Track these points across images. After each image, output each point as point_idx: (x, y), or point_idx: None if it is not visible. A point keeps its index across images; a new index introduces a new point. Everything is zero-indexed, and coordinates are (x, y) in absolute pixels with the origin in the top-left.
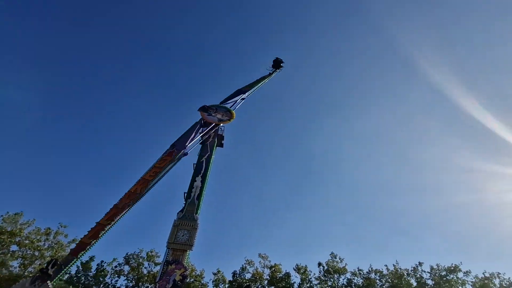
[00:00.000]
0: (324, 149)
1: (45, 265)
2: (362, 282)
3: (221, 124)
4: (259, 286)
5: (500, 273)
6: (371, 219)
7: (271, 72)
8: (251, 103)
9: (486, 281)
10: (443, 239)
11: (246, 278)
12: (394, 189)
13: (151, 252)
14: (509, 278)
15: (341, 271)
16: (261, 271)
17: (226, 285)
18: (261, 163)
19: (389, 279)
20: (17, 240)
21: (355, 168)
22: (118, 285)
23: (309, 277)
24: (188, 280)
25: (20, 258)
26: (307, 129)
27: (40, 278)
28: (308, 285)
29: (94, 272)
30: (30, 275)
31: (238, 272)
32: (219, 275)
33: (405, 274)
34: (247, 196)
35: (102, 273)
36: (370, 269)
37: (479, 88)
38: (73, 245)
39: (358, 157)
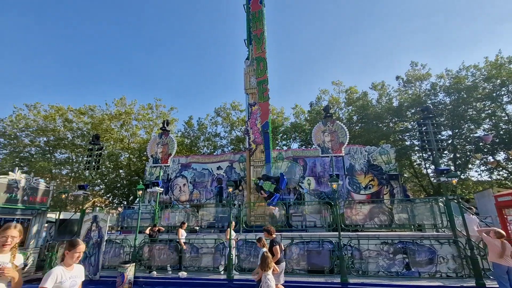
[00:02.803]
0: None
1: (162, 125)
2: (450, 81)
3: None
4: (337, 109)
5: None
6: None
7: None
8: None
9: None
10: None
11: (323, 105)
12: None
13: (234, 102)
14: None
15: (424, 77)
16: (336, 96)
17: (306, 115)
18: None
19: (485, 72)
20: (133, 117)
21: None
22: (218, 131)
23: (387, 91)
24: (271, 117)
25: (143, 129)
26: None
27: (163, 133)
28: (387, 99)
29: (197, 127)
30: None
31: (314, 102)
32: (297, 108)
33: (507, 62)
34: (306, 28)
35: (203, 126)
36: (461, 66)
37: None
38: (173, 112)
39: None
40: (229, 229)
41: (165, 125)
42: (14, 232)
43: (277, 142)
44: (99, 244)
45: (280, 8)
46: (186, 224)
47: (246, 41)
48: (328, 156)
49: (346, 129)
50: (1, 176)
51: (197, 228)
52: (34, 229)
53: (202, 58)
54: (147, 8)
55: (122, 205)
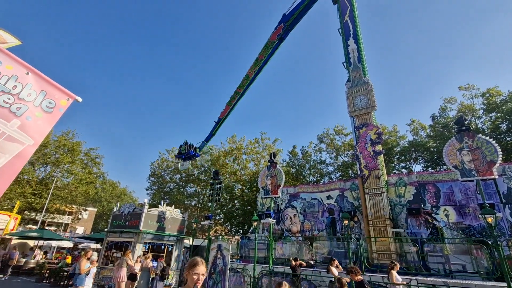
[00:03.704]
0: None
1: (269, 158)
2: None
3: None
4: (473, 118)
5: None
6: None
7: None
8: None
9: None
10: None
11: (451, 116)
12: None
13: (337, 127)
14: None
15: None
16: (468, 103)
17: (427, 130)
18: None
19: None
20: (243, 151)
21: None
22: (323, 158)
23: None
24: (384, 137)
25: (251, 161)
26: None
27: (271, 166)
28: None
29: (301, 155)
30: (263, 168)
31: (437, 114)
32: (415, 123)
33: None
34: (408, 34)
35: (307, 154)
36: None
37: None
38: (277, 143)
39: None
40: (331, 267)
41: (272, 158)
42: (203, 269)
43: (393, 165)
44: (224, 272)
45: (377, 12)
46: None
47: (344, 64)
48: (472, 180)
49: (495, 144)
50: (154, 209)
51: (312, 262)
52: (176, 253)
53: (300, 86)
54: (241, 53)
55: (238, 233)
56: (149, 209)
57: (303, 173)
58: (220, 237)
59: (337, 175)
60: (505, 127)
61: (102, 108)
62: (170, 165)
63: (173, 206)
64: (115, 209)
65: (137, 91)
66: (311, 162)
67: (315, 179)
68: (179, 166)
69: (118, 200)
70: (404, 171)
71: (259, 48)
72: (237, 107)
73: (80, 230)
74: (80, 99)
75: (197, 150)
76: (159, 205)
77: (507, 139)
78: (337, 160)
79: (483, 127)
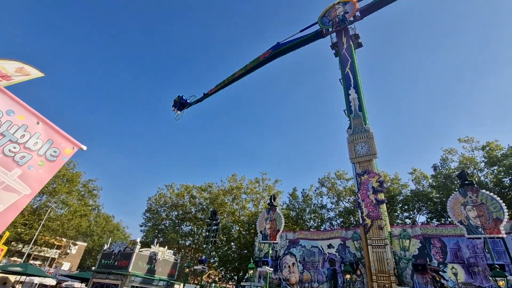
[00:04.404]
0: None
1: (269, 201)
2: None
3: (350, 24)
4: (475, 171)
5: None
6: None
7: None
8: None
9: None
10: None
11: (452, 167)
12: None
13: (338, 171)
14: None
15: None
16: (469, 155)
17: (429, 180)
18: (409, 44)
19: None
20: (242, 191)
21: None
22: (324, 203)
23: None
24: (386, 185)
25: (251, 202)
26: None
27: (271, 209)
28: None
29: (302, 199)
30: (262, 210)
31: (439, 164)
32: (417, 173)
33: None
34: (409, 87)
35: (308, 197)
36: None
37: None
38: (278, 184)
39: None
40: None
41: (272, 200)
42: None
43: (396, 214)
44: None
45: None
46: None
47: (346, 111)
48: (479, 238)
49: (500, 201)
50: (146, 249)
51: None
52: None
53: (303, 129)
54: (248, 94)
55: (233, 279)
56: (140, 249)
57: (304, 217)
58: (213, 284)
59: (338, 221)
60: (508, 182)
61: (104, 138)
62: (168, 201)
63: (166, 247)
64: (105, 247)
65: (145, 129)
66: (312, 206)
67: (315, 224)
68: (175, 117)
69: (110, 235)
70: (408, 221)
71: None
72: (242, 146)
73: (66, 266)
74: (84, 148)
75: (187, 101)
76: (152, 245)
77: (511, 193)
78: (339, 205)
79: (486, 180)
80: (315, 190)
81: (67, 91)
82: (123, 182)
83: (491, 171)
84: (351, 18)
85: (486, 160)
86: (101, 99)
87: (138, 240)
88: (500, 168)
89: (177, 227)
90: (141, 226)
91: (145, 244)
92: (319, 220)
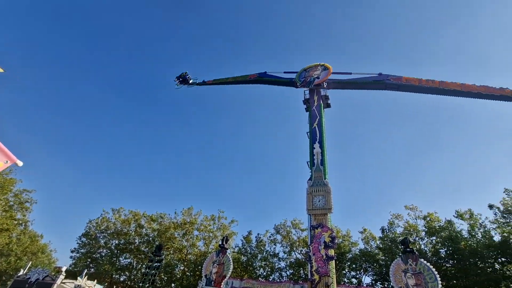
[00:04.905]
0: None
1: (220, 242)
2: None
3: (323, 86)
4: (416, 238)
5: None
6: None
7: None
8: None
9: None
10: None
11: (398, 232)
12: None
13: (295, 220)
14: None
15: None
16: (413, 223)
17: (377, 241)
18: (374, 118)
19: None
20: (195, 227)
21: None
22: (276, 251)
23: (480, 221)
24: (337, 241)
25: (202, 240)
26: None
27: (221, 251)
28: (482, 231)
29: (255, 243)
30: (212, 250)
31: (386, 227)
32: (366, 233)
33: None
34: (369, 153)
35: (261, 243)
36: None
37: None
38: (234, 225)
39: None
40: None
41: (224, 242)
42: None
43: (344, 272)
44: None
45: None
46: None
47: (309, 163)
48: None
49: (436, 272)
50: (70, 281)
51: None
52: None
53: (266, 172)
54: (221, 130)
55: None
56: (64, 280)
57: (254, 264)
58: None
59: (288, 272)
60: (444, 253)
61: (55, 146)
62: (110, 227)
63: (95, 280)
64: (21, 272)
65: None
66: (264, 253)
67: (265, 273)
68: (175, 86)
69: (32, 258)
70: (354, 281)
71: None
72: (206, 180)
73: None
74: (20, 164)
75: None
76: (79, 277)
77: (447, 265)
78: (291, 255)
79: (425, 248)
80: (270, 237)
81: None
82: (65, 198)
83: (430, 241)
84: (321, 84)
85: (426, 229)
86: (68, 104)
87: (64, 268)
88: (438, 239)
89: (114, 258)
90: (72, 251)
91: (72, 274)
92: (269, 269)
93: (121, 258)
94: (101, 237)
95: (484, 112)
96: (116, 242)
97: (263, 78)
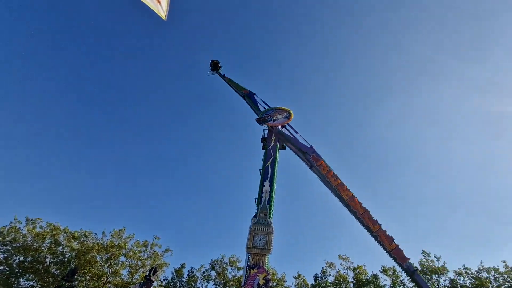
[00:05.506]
0: (391, 134)
1: (147, 272)
2: (471, 283)
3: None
4: None
5: None
6: (468, 206)
7: (209, 74)
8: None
9: None
10: None
11: (329, 281)
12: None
13: (233, 257)
14: None
15: (440, 271)
16: (344, 273)
17: None
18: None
19: (509, 278)
20: (123, 252)
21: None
22: None
23: (401, 279)
24: (271, 284)
25: (128, 267)
26: (367, 115)
27: (145, 284)
28: (403, 287)
29: (186, 278)
30: (137, 281)
31: (319, 275)
32: (300, 278)
33: None
34: (318, 198)
35: (193, 278)
36: (480, 267)
37: None
38: (167, 255)
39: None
40: None
41: (151, 274)
42: None
43: None
44: None
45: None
46: None
47: (256, 200)
48: None
49: None
50: None
51: None
52: None
53: (211, 201)
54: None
55: None
56: None
57: None
58: None
59: None
60: None
61: None
62: (18, 240)
63: None
64: None
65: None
66: None
67: None
68: (207, 73)
69: None
70: None
71: None
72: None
73: None
74: None
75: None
76: None
77: None
78: None
79: None
80: (204, 272)
81: None
82: None
83: None
84: (276, 127)
85: (354, 281)
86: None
87: None
88: None
89: (13, 279)
90: None
91: None
92: None
93: (21, 279)
94: (3, 250)
95: None
96: (21, 258)
97: (249, 99)
